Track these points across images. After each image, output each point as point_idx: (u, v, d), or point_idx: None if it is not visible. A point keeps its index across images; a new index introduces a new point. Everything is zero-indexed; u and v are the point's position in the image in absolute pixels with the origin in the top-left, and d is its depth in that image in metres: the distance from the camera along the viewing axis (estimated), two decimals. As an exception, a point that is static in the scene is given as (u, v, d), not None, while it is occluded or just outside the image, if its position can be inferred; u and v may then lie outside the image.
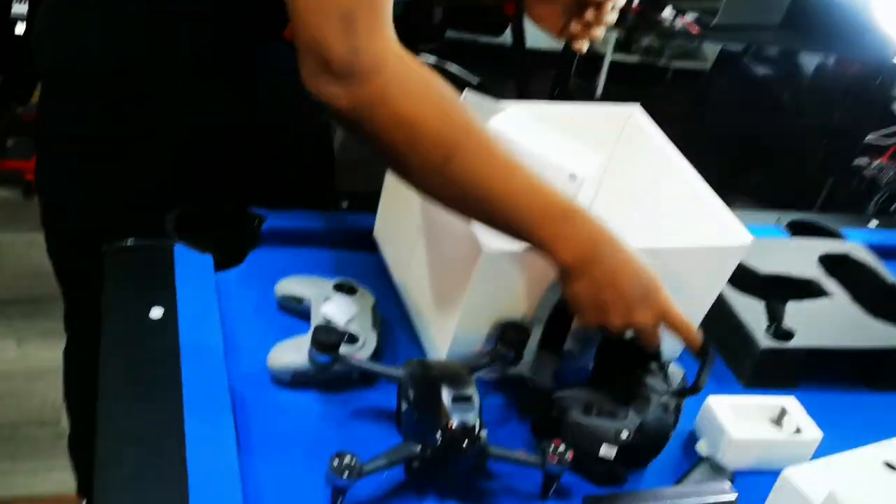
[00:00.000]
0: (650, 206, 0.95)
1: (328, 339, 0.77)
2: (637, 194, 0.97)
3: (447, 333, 0.84)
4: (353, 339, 0.86)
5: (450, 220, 0.78)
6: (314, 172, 1.16)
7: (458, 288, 0.81)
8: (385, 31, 0.68)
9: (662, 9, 2.67)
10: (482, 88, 2.69)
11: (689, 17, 2.69)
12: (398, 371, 0.80)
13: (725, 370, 0.99)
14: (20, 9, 2.24)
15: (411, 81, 0.68)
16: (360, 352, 0.85)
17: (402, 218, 0.94)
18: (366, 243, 1.04)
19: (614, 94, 3.56)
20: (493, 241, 0.76)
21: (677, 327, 0.78)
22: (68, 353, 1.19)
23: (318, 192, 1.16)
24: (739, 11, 2.66)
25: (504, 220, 0.72)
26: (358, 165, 1.06)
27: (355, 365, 0.80)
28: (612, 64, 3.65)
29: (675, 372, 0.84)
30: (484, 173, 0.71)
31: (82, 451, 1.25)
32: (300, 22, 0.67)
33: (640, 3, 2.70)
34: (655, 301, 0.76)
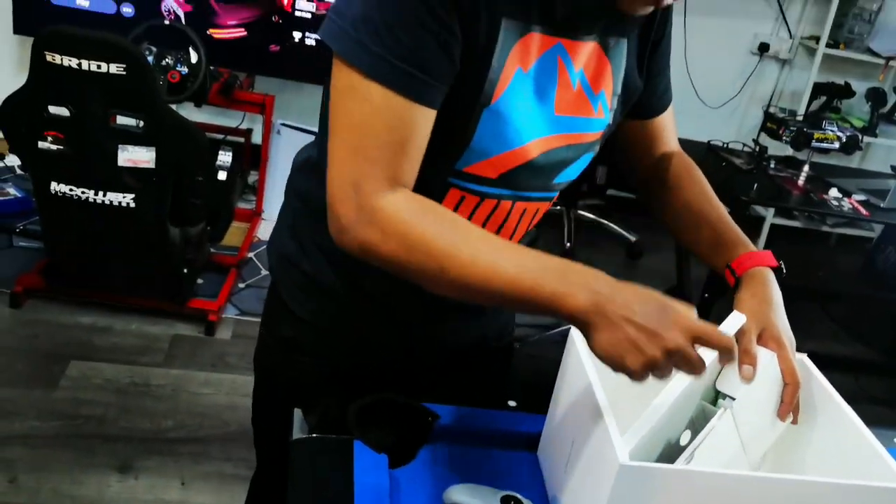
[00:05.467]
0: (804, 438, 0.92)
1: None
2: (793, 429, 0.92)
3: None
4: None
5: (593, 430, 0.77)
6: (491, 381, 1.16)
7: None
8: (385, 189, 0.79)
9: (828, 189, 2.47)
10: (639, 246, 2.76)
11: (857, 199, 2.48)
12: None
13: None
14: (225, 157, 2.56)
15: (402, 219, 0.79)
16: None
17: (560, 433, 0.91)
18: (533, 445, 0.98)
19: (775, 254, 3.46)
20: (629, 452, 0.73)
21: (716, 341, 0.76)
22: None
23: (488, 388, 1.13)
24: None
25: (513, 300, 0.78)
26: (533, 360, 1.11)
27: None
28: (774, 226, 3.76)
29: None
30: (478, 272, 0.78)
31: None
32: (327, 187, 0.81)
33: (805, 182, 2.49)
34: (678, 317, 0.74)
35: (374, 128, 0.78)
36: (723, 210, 1.02)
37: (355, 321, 1.01)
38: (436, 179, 0.83)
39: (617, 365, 0.74)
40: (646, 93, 0.99)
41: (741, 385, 0.86)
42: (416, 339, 1.05)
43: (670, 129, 1.07)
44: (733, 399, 0.87)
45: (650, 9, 0.84)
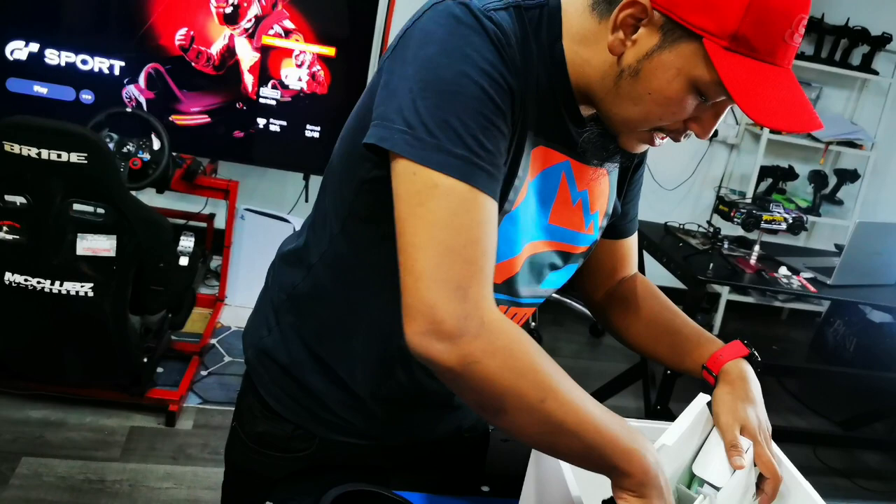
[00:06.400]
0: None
1: None
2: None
3: None
4: None
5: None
6: (465, 468, 1.14)
7: None
8: (490, 296, 0.75)
9: (778, 268, 2.70)
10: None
11: (805, 276, 2.69)
12: None
13: None
14: (186, 243, 2.43)
15: (510, 337, 0.75)
16: None
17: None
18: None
19: (731, 329, 3.91)
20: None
21: None
22: None
23: (462, 475, 1.11)
24: (854, 273, 2.65)
25: (591, 446, 0.75)
26: (505, 448, 1.11)
27: None
28: (729, 302, 3.97)
29: None
30: (572, 411, 0.75)
31: None
32: (414, 288, 0.74)
33: (756, 261, 2.68)
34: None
35: (465, 224, 0.74)
36: (686, 317, 1.06)
37: (333, 415, 0.99)
38: None
39: None
40: (620, 215, 1.03)
41: (720, 474, 0.88)
42: (391, 431, 1.03)
43: (633, 254, 1.12)
44: (718, 489, 0.87)
45: (647, 147, 0.88)
